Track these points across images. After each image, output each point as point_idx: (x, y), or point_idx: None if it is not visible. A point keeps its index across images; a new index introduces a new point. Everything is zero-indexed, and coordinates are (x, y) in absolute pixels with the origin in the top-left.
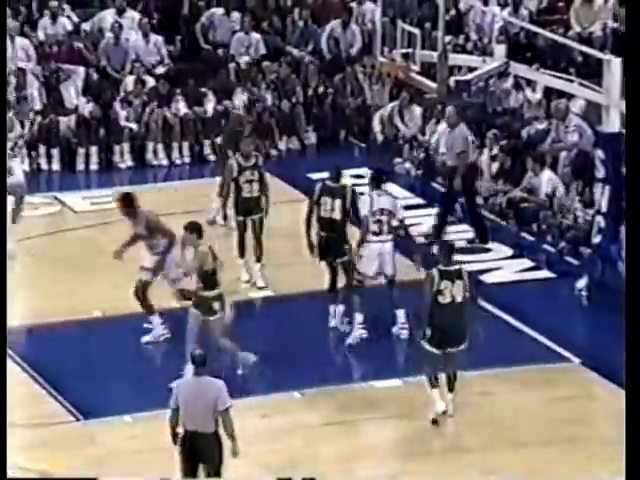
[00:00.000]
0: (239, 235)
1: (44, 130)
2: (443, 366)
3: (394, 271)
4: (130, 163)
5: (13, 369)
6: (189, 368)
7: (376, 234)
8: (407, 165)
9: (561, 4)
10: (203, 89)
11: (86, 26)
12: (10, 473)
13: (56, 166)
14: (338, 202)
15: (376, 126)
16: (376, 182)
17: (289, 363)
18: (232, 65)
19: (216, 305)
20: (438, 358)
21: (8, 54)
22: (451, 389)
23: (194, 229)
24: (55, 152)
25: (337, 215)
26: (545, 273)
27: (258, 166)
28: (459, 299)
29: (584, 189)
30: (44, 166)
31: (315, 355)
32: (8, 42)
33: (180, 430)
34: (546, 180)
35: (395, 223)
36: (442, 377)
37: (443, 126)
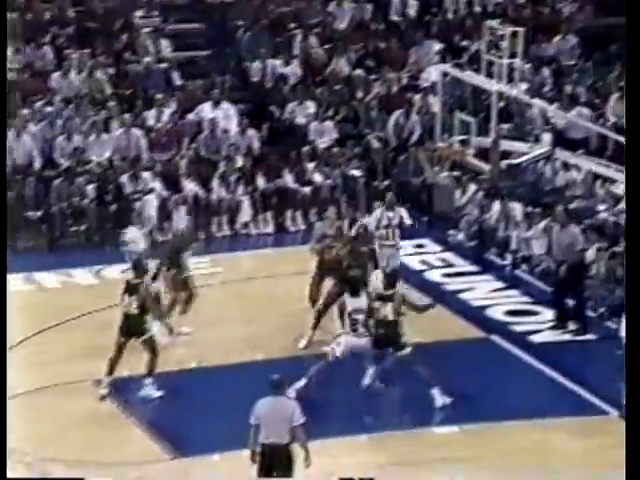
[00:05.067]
0: None
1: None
2: None
3: None
4: (227, 232)
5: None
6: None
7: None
8: (460, 236)
9: (598, 100)
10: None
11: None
12: None
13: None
14: None
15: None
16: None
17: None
18: (307, 148)
19: None
20: None
21: (123, 144)
22: None
23: None
24: (166, 225)
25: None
26: (587, 335)
27: None
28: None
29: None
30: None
31: None
32: (123, 132)
33: (258, 446)
34: (587, 253)
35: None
36: None
37: (497, 204)
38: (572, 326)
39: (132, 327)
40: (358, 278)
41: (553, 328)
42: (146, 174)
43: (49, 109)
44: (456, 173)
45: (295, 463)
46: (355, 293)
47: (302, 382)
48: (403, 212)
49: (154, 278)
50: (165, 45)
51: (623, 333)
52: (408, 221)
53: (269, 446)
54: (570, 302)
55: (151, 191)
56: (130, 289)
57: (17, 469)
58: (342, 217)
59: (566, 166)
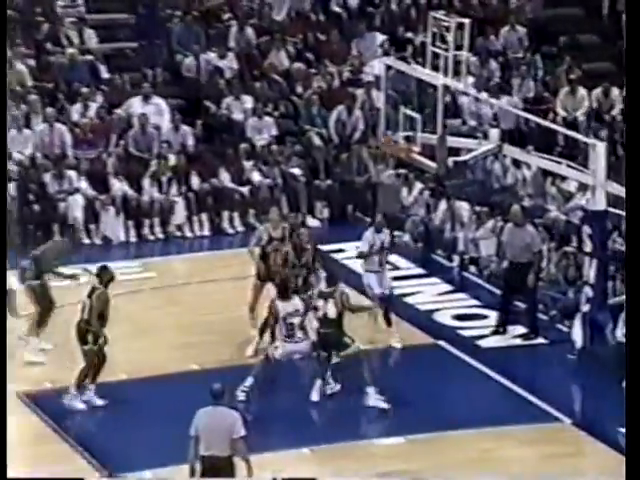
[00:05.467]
0: None
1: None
2: None
3: None
4: (160, 235)
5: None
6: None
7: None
8: (406, 238)
9: (546, 94)
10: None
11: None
12: None
13: (97, 240)
14: None
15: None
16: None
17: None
18: (245, 145)
19: None
20: None
21: (46, 140)
22: None
23: None
24: (93, 228)
25: None
26: (538, 339)
27: None
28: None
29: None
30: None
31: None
32: (46, 127)
33: (197, 460)
34: None
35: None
36: None
37: (444, 202)
38: (521, 330)
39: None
40: (286, 281)
41: (494, 333)
42: (71, 173)
43: None
44: (401, 171)
45: (236, 476)
46: (285, 296)
47: (249, 381)
48: (387, 233)
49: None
50: (90, 36)
51: (575, 337)
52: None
53: (209, 458)
54: (521, 305)
55: (77, 191)
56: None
57: None
58: (286, 219)
59: (516, 163)
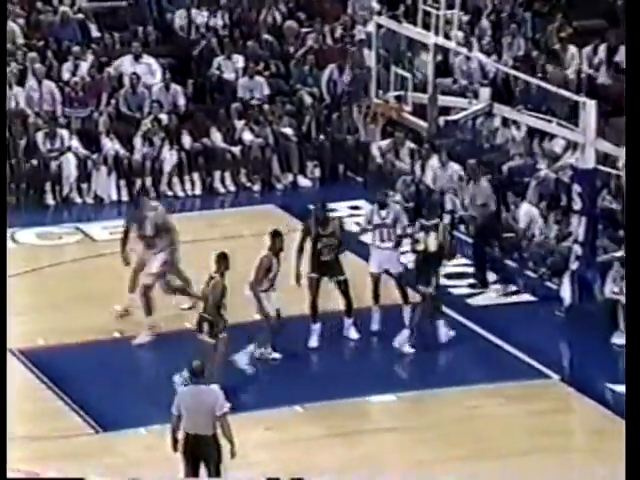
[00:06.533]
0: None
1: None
2: None
3: None
4: (152, 194)
5: (37, 386)
6: (178, 378)
7: None
8: (397, 197)
9: (537, 53)
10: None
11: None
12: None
13: (89, 199)
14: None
15: (377, 157)
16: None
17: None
18: (236, 105)
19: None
20: None
21: (35, 96)
22: None
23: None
24: (84, 187)
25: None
26: (527, 297)
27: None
28: None
29: (561, 220)
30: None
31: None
32: (35, 84)
33: (181, 435)
34: (524, 212)
35: None
36: None
37: (435, 162)
38: (512, 288)
39: None
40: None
41: (472, 286)
42: (63, 131)
43: None
44: (392, 131)
45: (222, 453)
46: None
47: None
48: (398, 209)
49: None
50: None
51: (563, 294)
52: (404, 221)
53: (194, 437)
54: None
55: (68, 150)
56: None
57: None
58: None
59: (506, 123)
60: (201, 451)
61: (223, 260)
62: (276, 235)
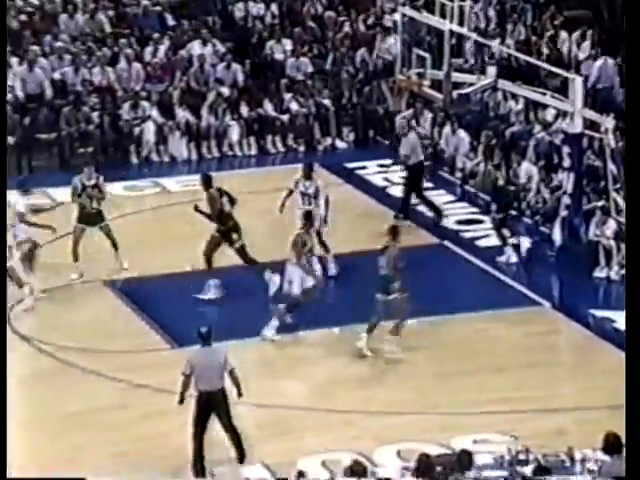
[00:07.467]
0: None
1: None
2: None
3: None
4: (216, 154)
5: (125, 309)
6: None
7: None
8: None
9: (534, 37)
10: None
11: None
12: None
13: (165, 158)
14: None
15: (398, 127)
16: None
17: None
18: (285, 81)
19: None
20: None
21: (124, 75)
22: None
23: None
24: (162, 148)
25: None
26: (524, 239)
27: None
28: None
29: (551, 176)
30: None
31: None
32: (124, 64)
33: (193, 392)
34: (524, 170)
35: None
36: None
37: (447, 129)
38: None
39: None
40: None
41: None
42: (144, 103)
43: (58, 44)
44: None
45: (229, 403)
46: None
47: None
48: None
49: None
50: None
51: (555, 237)
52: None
53: (207, 393)
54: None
55: (149, 118)
56: None
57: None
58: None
59: (506, 97)
60: (214, 405)
61: (396, 228)
62: (307, 216)
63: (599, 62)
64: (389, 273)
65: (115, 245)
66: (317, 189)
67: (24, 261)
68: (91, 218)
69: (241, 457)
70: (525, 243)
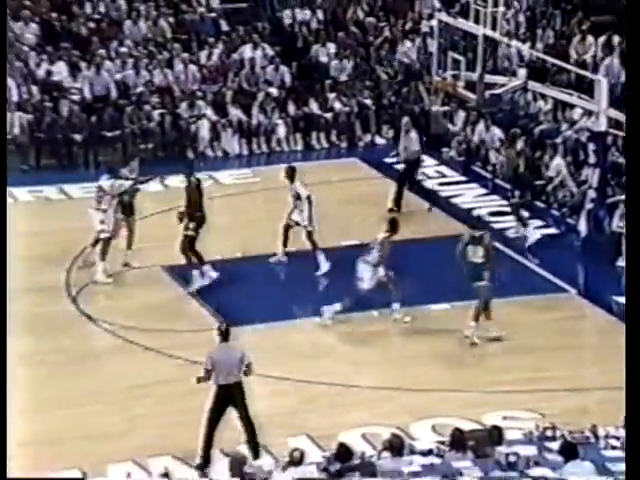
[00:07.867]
0: None
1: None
2: None
3: None
4: (265, 150)
5: (181, 292)
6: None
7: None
8: (452, 153)
9: (563, 41)
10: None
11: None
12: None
13: (219, 153)
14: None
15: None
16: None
17: None
18: (329, 81)
19: None
20: None
21: (181, 77)
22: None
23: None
24: (215, 144)
25: None
26: (552, 230)
27: None
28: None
29: (578, 171)
30: (210, 153)
31: None
32: (181, 66)
33: (213, 387)
34: (555, 165)
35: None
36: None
37: (481, 126)
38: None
39: None
40: None
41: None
42: (200, 102)
43: (122, 49)
44: (449, 102)
45: (245, 392)
46: None
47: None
48: None
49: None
50: None
51: (580, 228)
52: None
53: (226, 387)
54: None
55: (204, 116)
56: None
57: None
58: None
59: (535, 97)
60: (232, 398)
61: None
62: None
63: (607, 61)
64: (483, 261)
65: (131, 242)
66: (297, 191)
67: (101, 249)
68: (126, 210)
69: (255, 449)
70: (536, 234)
